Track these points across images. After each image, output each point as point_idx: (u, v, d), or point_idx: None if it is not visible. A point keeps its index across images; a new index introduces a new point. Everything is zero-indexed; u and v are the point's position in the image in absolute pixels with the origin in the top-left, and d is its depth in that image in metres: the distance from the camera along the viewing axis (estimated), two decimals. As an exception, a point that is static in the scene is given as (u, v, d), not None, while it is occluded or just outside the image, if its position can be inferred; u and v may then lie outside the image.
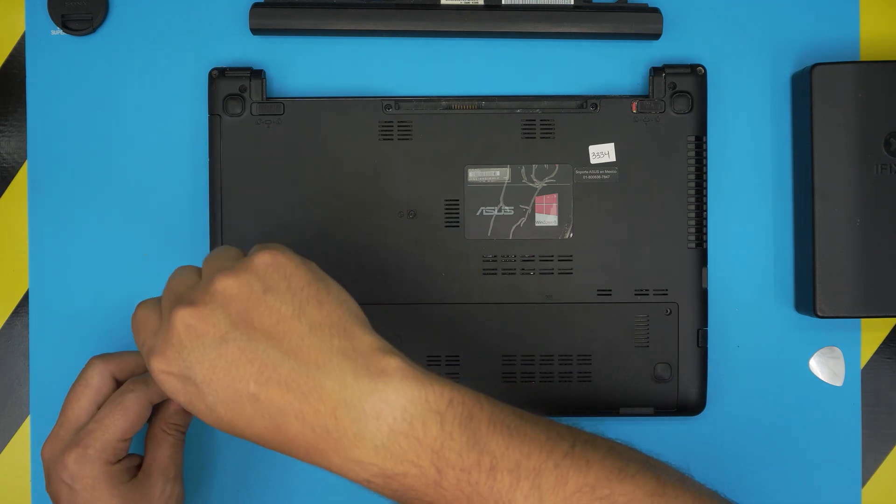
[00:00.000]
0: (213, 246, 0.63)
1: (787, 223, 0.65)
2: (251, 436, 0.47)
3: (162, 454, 0.57)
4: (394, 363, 0.47)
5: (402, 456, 0.45)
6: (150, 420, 0.58)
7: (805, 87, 0.62)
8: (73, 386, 0.57)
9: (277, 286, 0.47)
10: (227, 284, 0.47)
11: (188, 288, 0.49)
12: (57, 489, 0.55)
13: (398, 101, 0.63)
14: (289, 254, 0.48)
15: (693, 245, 0.63)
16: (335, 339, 0.47)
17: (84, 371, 0.57)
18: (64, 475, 0.54)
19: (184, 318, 0.47)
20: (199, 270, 0.51)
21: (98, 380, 0.57)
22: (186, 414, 0.58)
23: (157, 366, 0.47)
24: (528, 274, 0.63)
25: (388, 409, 0.45)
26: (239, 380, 0.46)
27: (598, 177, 0.63)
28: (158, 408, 0.58)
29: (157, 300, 0.51)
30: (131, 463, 0.57)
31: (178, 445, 0.58)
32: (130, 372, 0.58)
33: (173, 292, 0.49)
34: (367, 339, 0.48)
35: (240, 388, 0.46)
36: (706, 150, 0.63)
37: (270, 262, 0.48)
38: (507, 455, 0.46)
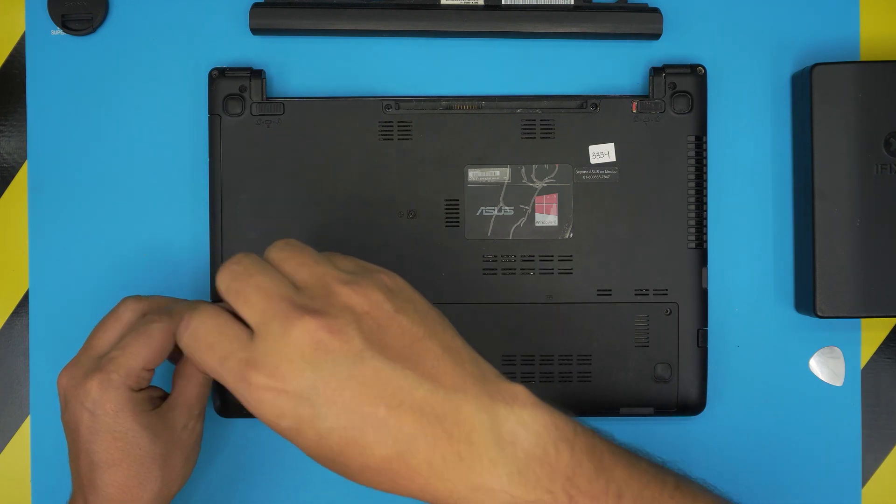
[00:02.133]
0: (213, 245, 0.63)
1: (787, 223, 0.65)
2: (359, 465, 0.43)
3: (190, 390, 0.55)
4: (521, 390, 0.45)
5: (535, 483, 0.43)
6: (178, 356, 0.57)
7: (805, 87, 0.62)
8: (103, 319, 0.56)
9: (406, 307, 0.46)
10: (356, 300, 0.44)
11: (295, 293, 0.44)
12: (77, 416, 0.53)
13: (398, 101, 0.63)
14: (401, 280, 0.48)
15: (693, 245, 0.63)
16: (466, 363, 0.46)
17: (116, 307, 0.56)
18: (86, 401, 0.52)
19: (310, 329, 0.43)
20: (276, 269, 0.46)
21: (129, 315, 0.55)
22: None
23: (263, 381, 0.43)
24: (528, 274, 0.63)
25: (524, 434, 0.44)
26: (368, 403, 0.43)
27: (598, 177, 0.63)
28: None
29: (219, 305, 0.47)
30: (154, 393, 0.55)
31: (207, 384, 0.55)
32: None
33: (272, 295, 0.44)
34: (487, 366, 0.47)
35: (367, 413, 0.43)
36: (706, 150, 0.63)
37: (393, 283, 0.47)
38: (630, 484, 0.45)
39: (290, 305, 0.43)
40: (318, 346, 0.42)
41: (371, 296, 0.45)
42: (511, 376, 0.63)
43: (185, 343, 0.46)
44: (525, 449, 0.44)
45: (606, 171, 0.63)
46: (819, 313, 0.62)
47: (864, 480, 0.65)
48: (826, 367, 0.65)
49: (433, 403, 0.43)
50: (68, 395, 0.54)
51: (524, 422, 0.44)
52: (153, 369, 0.54)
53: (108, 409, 0.53)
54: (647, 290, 0.63)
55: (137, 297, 0.57)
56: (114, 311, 0.56)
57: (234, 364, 0.44)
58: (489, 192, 0.63)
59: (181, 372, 0.56)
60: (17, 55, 0.65)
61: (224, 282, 0.46)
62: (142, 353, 0.53)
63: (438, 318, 0.47)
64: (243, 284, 0.45)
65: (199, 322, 0.46)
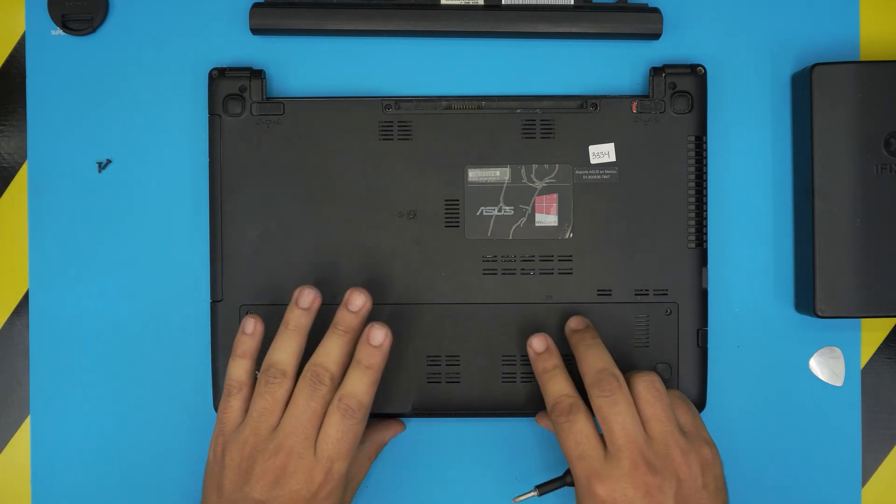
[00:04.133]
0: (213, 245, 0.63)
1: (787, 223, 0.65)
2: None
3: (360, 475, 0.62)
4: None
5: None
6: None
7: (805, 87, 0.62)
8: (308, 403, 0.57)
9: (709, 484, 0.57)
10: (683, 470, 0.56)
11: (646, 444, 0.56)
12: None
13: (398, 101, 0.63)
14: (718, 457, 0.58)
15: (693, 245, 0.63)
16: None
17: (323, 388, 0.58)
18: (313, 495, 0.57)
19: (647, 484, 0.55)
20: (634, 409, 0.57)
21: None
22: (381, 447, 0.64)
23: (600, 492, 0.55)
24: (528, 274, 0.63)
25: None
26: None
27: (598, 177, 0.63)
28: (370, 430, 0.62)
29: (589, 421, 0.57)
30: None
31: (368, 467, 0.63)
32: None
33: (631, 439, 0.56)
34: None
35: None
36: (706, 150, 0.63)
37: (711, 457, 0.57)
38: None
39: (640, 456, 0.55)
40: (646, 495, 0.55)
41: (693, 468, 0.56)
42: (511, 376, 0.63)
43: (561, 427, 0.57)
44: None
45: (606, 171, 0.63)
46: (819, 313, 0.62)
47: (864, 480, 0.65)
48: (826, 367, 0.65)
49: None
50: (288, 471, 0.57)
51: None
52: None
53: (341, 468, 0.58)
54: (647, 290, 0.63)
55: (328, 373, 0.58)
56: (315, 392, 0.57)
57: (588, 465, 0.56)
58: (489, 192, 0.63)
59: (356, 461, 0.61)
60: (17, 55, 0.65)
61: (597, 400, 0.57)
62: (352, 449, 0.58)
63: (724, 497, 0.57)
64: (612, 415, 0.56)
65: (578, 418, 0.57)
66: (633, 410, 0.56)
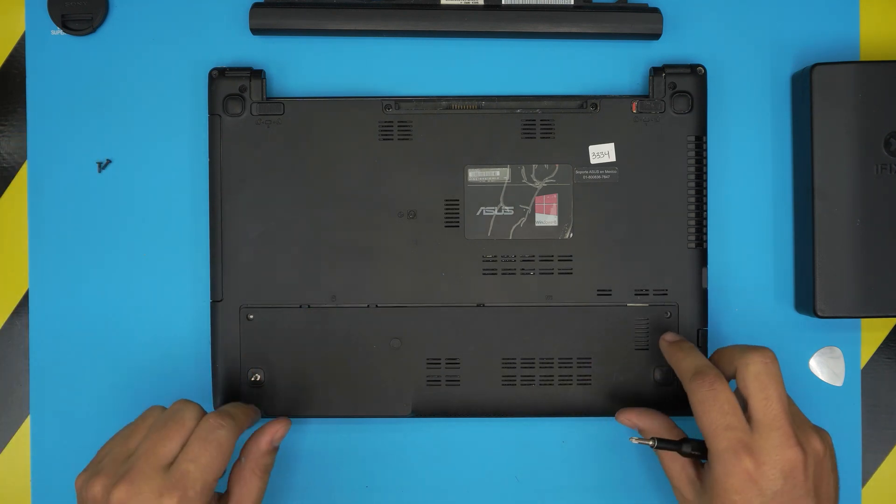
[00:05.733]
0: (213, 245, 0.63)
1: (787, 223, 0.65)
2: None
3: (249, 495, 0.58)
4: None
5: None
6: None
7: (805, 87, 0.62)
8: (162, 423, 0.55)
9: (835, 469, 0.56)
10: (819, 447, 0.55)
11: (799, 418, 0.56)
12: None
13: (398, 101, 0.63)
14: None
15: (693, 245, 0.63)
16: None
17: (176, 411, 0.56)
18: None
19: (795, 458, 0.53)
20: (783, 388, 0.55)
21: (192, 422, 0.56)
22: (274, 454, 0.59)
23: (748, 465, 0.53)
24: (528, 274, 0.63)
25: None
26: None
27: (598, 177, 0.63)
28: (245, 447, 0.58)
29: (732, 393, 0.56)
30: (214, 501, 0.57)
31: (264, 486, 0.58)
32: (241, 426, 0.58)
33: (785, 409, 0.54)
34: None
35: None
36: (706, 150, 0.63)
37: (831, 445, 0.56)
38: None
39: (791, 428, 0.54)
40: (793, 471, 0.53)
41: (827, 448, 0.55)
42: (511, 379, 0.63)
43: (704, 395, 0.55)
44: None
45: (606, 171, 0.63)
46: (819, 313, 0.62)
47: (864, 480, 0.65)
48: (826, 367, 0.65)
49: None
50: (133, 496, 0.53)
51: None
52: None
53: None
54: (647, 291, 0.63)
55: (189, 402, 0.57)
56: (175, 417, 0.55)
57: (736, 436, 0.54)
58: (489, 192, 0.63)
59: (239, 478, 0.58)
60: (17, 55, 0.65)
61: (757, 365, 0.55)
62: (216, 466, 0.54)
63: (837, 485, 0.56)
64: (772, 383, 0.55)
65: (723, 387, 0.55)
66: (785, 395, 0.55)
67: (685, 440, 0.58)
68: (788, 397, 0.56)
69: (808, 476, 0.54)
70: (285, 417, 0.60)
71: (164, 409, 0.58)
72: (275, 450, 0.59)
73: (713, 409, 0.55)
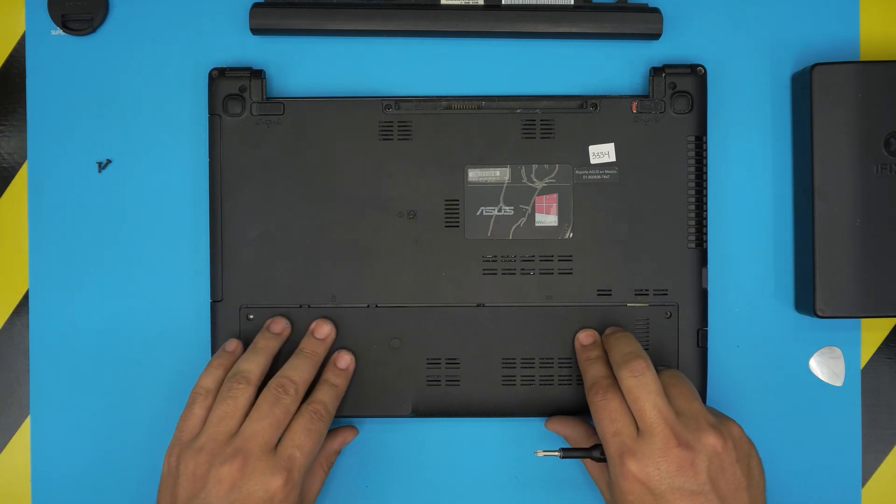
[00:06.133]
0: (213, 245, 0.63)
1: (787, 223, 0.65)
2: None
3: (315, 486, 0.62)
4: None
5: None
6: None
7: (805, 87, 0.62)
8: (272, 409, 0.57)
9: (742, 459, 0.57)
10: (714, 442, 0.56)
11: (676, 420, 0.56)
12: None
13: (398, 101, 0.63)
14: (747, 437, 0.58)
15: (693, 245, 0.63)
16: None
17: (281, 389, 0.58)
18: (268, 495, 0.56)
19: (678, 457, 0.55)
20: (664, 391, 0.57)
21: (293, 403, 0.59)
22: (338, 453, 0.64)
23: (633, 469, 0.56)
24: (528, 274, 0.63)
25: None
26: None
27: (598, 177, 0.63)
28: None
29: (624, 402, 0.58)
30: None
31: (325, 478, 0.63)
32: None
33: (662, 415, 0.56)
34: None
35: None
36: (706, 150, 0.63)
37: (739, 435, 0.57)
38: None
39: (671, 431, 0.56)
40: (679, 469, 0.55)
41: (726, 442, 0.56)
42: (511, 380, 0.63)
43: (598, 405, 0.58)
44: None
45: (606, 171, 0.63)
46: (819, 313, 0.62)
47: (864, 480, 0.65)
48: (826, 367, 0.65)
49: None
50: (246, 474, 0.56)
51: None
52: None
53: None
54: (647, 291, 0.63)
55: (288, 380, 0.59)
56: (279, 404, 0.58)
57: (620, 442, 0.56)
58: (489, 192, 0.63)
59: (309, 470, 0.60)
60: (17, 55, 0.65)
61: (627, 381, 0.57)
62: (314, 453, 0.59)
63: (758, 476, 0.57)
64: (643, 394, 0.57)
65: (614, 396, 0.58)
66: (662, 389, 0.57)
67: (595, 446, 0.60)
68: (686, 396, 0.58)
69: (700, 471, 0.55)
70: (353, 427, 0.64)
71: (251, 379, 0.59)
72: (339, 451, 0.64)
73: (604, 417, 0.57)
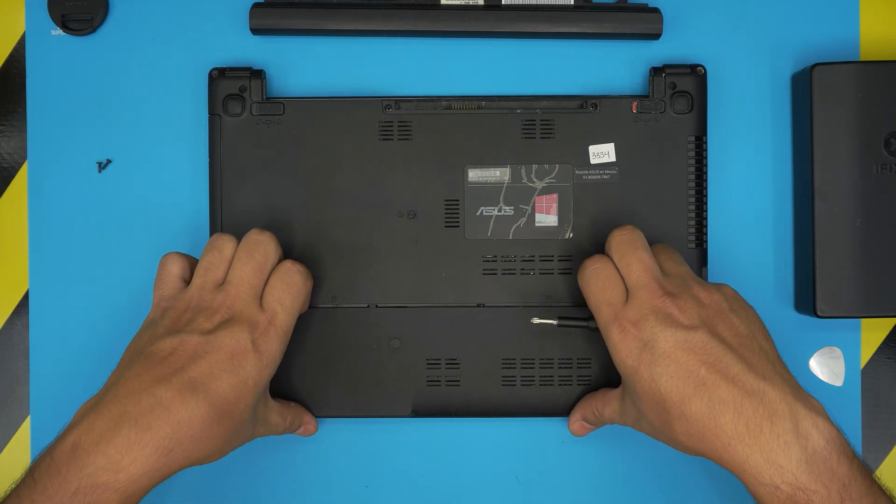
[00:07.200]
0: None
1: (787, 223, 0.65)
2: (678, 413, 0.53)
3: (275, 421, 0.60)
4: (819, 403, 0.54)
5: (817, 476, 0.51)
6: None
7: (805, 87, 0.62)
8: (251, 253, 0.57)
9: (739, 312, 0.56)
10: (702, 294, 0.56)
11: (662, 277, 0.56)
12: (230, 337, 0.55)
13: (398, 101, 0.63)
14: (739, 294, 0.57)
15: (693, 245, 0.63)
16: (777, 365, 0.55)
17: (257, 242, 0.58)
18: (255, 338, 0.55)
19: (666, 305, 0.55)
20: (651, 253, 0.57)
21: (274, 259, 0.58)
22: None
23: (629, 326, 0.55)
24: (528, 274, 0.63)
25: (816, 434, 0.52)
26: (694, 362, 0.53)
27: (598, 177, 0.63)
28: (296, 408, 0.62)
29: (616, 271, 0.57)
30: None
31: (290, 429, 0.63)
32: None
33: (649, 272, 0.56)
34: (793, 378, 0.55)
35: (692, 369, 0.53)
36: (706, 150, 0.63)
37: (733, 294, 0.57)
38: None
39: (657, 285, 0.55)
40: (668, 317, 0.54)
41: (714, 295, 0.56)
42: (511, 380, 0.63)
43: (588, 276, 0.58)
44: (814, 446, 0.51)
45: (606, 171, 0.63)
46: (819, 313, 0.62)
47: (864, 480, 0.65)
48: (826, 367, 0.65)
49: (745, 381, 0.53)
50: (236, 310, 0.56)
51: (818, 426, 0.52)
52: None
53: (265, 360, 0.55)
54: (647, 290, 0.63)
55: (265, 233, 0.58)
56: (259, 248, 0.57)
57: (613, 308, 0.56)
58: (489, 192, 0.63)
59: (278, 407, 0.60)
60: (17, 55, 0.65)
61: (615, 240, 0.58)
62: (296, 309, 0.58)
63: (762, 330, 0.56)
64: (630, 251, 0.57)
65: (605, 265, 0.58)
66: (648, 249, 0.57)
67: (591, 318, 0.59)
68: (674, 261, 0.58)
69: (691, 315, 0.54)
70: (315, 421, 0.64)
71: (231, 236, 0.59)
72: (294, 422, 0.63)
73: (595, 286, 0.57)
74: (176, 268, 0.59)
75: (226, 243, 0.58)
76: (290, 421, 0.61)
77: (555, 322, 0.60)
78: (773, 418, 0.52)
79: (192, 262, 0.60)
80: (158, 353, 0.54)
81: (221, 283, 0.57)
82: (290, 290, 0.57)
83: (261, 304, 0.56)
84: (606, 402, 0.60)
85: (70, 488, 0.50)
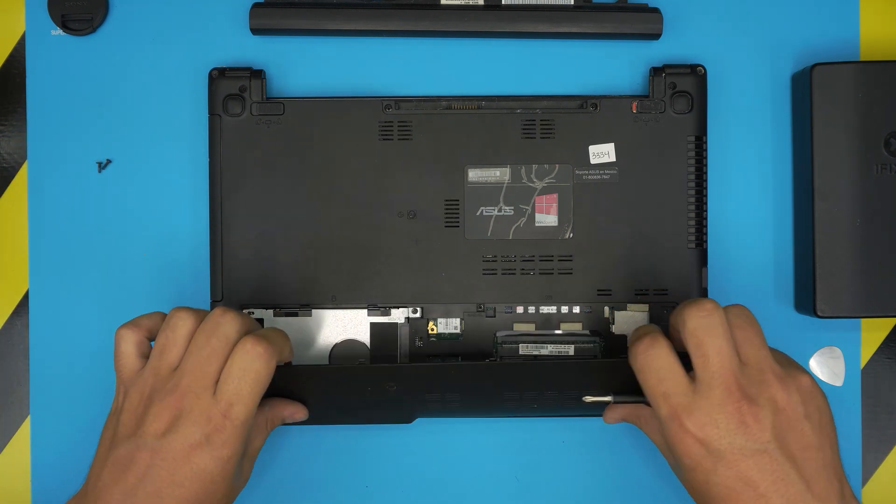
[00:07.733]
0: (213, 245, 0.63)
1: (787, 223, 0.65)
2: None
3: (258, 443, 0.59)
4: None
5: None
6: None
7: (805, 87, 0.62)
8: (209, 339, 0.53)
9: (813, 415, 0.52)
10: (780, 396, 0.52)
11: (740, 370, 0.52)
12: (183, 437, 0.52)
13: (398, 101, 0.63)
14: (819, 388, 0.54)
15: (693, 245, 0.63)
16: (835, 481, 0.52)
17: (216, 322, 0.54)
18: (206, 435, 0.52)
19: (742, 412, 0.51)
20: (729, 334, 0.52)
21: (235, 337, 0.54)
22: (282, 423, 0.60)
23: (691, 428, 0.51)
24: (528, 274, 0.63)
25: None
26: (756, 477, 0.50)
27: (598, 177, 0.63)
28: (270, 402, 0.59)
29: (672, 353, 0.53)
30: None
31: (266, 437, 0.59)
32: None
33: (725, 365, 0.51)
34: (850, 490, 0.53)
35: (751, 482, 0.50)
36: (706, 150, 0.63)
37: (810, 387, 0.53)
38: None
39: (734, 382, 0.51)
40: (741, 425, 0.51)
41: (792, 396, 0.52)
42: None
43: (641, 363, 0.53)
44: None
45: (606, 171, 0.63)
46: (819, 313, 0.62)
47: (864, 480, 0.65)
48: (826, 367, 0.65)
49: (799, 501, 0.50)
50: (185, 406, 0.52)
51: None
52: None
53: (224, 454, 0.53)
54: (647, 291, 0.63)
55: (228, 311, 0.54)
56: (217, 333, 0.54)
57: (674, 402, 0.52)
58: (489, 192, 0.63)
59: (254, 424, 0.57)
60: (17, 55, 0.65)
61: (692, 321, 0.52)
62: (255, 398, 0.53)
63: (831, 433, 0.53)
64: (709, 339, 0.52)
65: (659, 352, 0.53)
66: (730, 334, 0.52)
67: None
68: (752, 343, 0.53)
69: (765, 427, 0.51)
70: (304, 408, 0.61)
71: (191, 312, 0.55)
72: (285, 419, 0.60)
73: (650, 377, 0.53)
74: (129, 346, 0.55)
75: (184, 322, 0.54)
76: (270, 426, 0.59)
77: (609, 399, 0.57)
78: None
79: (147, 332, 0.56)
80: (121, 461, 0.52)
81: (176, 367, 0.54)
82: (247, 377, 0.53)
83: (216, 390, 0.53)
84: (651, 431, 0.59)
85: None
